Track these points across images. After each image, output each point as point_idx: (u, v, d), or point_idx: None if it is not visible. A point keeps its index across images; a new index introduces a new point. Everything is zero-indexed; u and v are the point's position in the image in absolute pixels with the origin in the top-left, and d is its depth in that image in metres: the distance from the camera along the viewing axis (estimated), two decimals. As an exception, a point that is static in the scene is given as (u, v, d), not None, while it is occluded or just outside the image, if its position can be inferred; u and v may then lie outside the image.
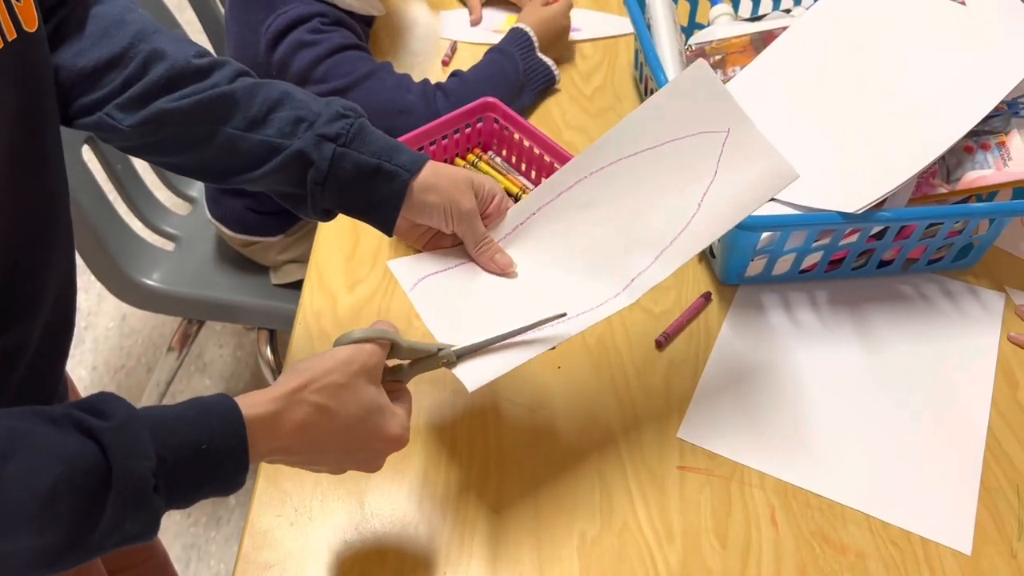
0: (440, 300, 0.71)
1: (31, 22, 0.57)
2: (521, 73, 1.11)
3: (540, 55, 1.15)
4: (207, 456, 0.52)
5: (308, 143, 0.67)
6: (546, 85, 1.16)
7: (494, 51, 1.13)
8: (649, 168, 0.71)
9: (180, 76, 0.67)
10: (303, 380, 0.58)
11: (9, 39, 0.55)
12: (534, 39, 1.14)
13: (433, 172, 0.70)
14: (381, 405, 0.61)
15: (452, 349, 0.65)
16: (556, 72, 1.16)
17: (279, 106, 0.69)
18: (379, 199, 0.70)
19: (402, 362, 0.66)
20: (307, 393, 0.57)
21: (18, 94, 0.57)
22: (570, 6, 1.22)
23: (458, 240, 0.74)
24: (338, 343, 0.62)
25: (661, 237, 0.70)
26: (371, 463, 0.63)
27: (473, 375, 0.65)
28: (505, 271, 0.73)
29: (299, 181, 0.69)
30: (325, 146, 0.67)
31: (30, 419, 0.48)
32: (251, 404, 0.55)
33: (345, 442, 0.60)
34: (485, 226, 0.74)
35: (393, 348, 0.63)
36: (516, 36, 1.14)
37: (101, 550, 0.49)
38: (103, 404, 0.50)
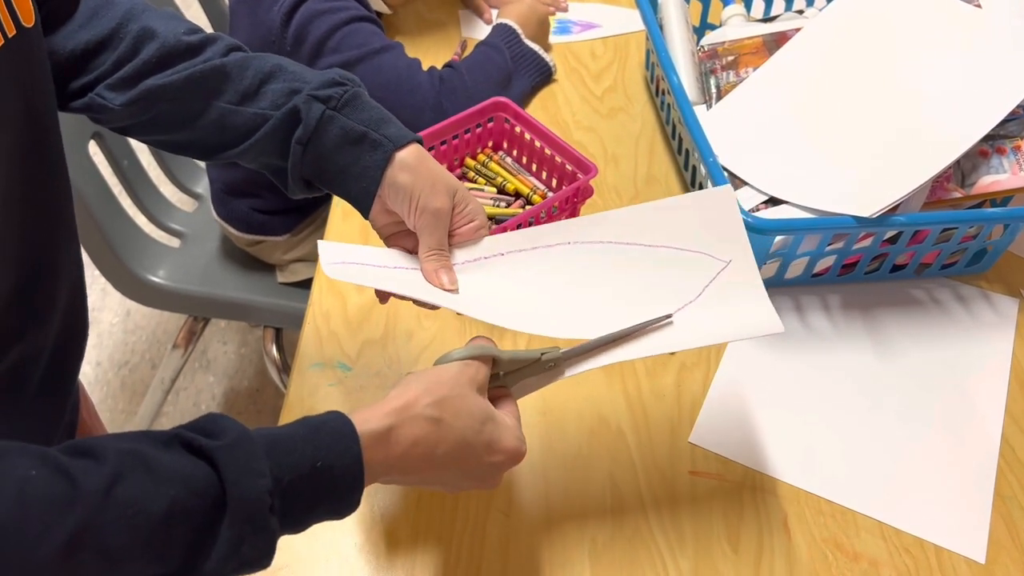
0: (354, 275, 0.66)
1: (28, 17, 0.56)
2: (509, 62, 1.15)
3: (528, 43, 1.17)
4: (322, 474, 0.50)
5: (300, 102, 0.65)
6: (540, 73, 1.18)
7: (480, 45, 1.17)
8: (637, 262, 0.70)
9: (171, 54, 0.66)
10: (414, 394, 0.56)
11: (9, 35, 0.54)
12: (518, 29, 1.18)
13: (417, 156, 0.66)
14: (494, 415, 0.59)
15: (558, 352, 0.64)
16: (550, 61, 1.19)
17: (272, 78, 0.67)
18: (360, 169, 0.65)
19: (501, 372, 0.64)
20: (419, 407, 0.55)
21: (19, 91, 0.56)
22: None
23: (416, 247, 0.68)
24: (438, 364, 0.60)
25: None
26: (489, 479, 0.60)
27: (574, 373, 0.65)
28: (445, 288, 0.67)
29: (286, 151, 0.66)
30: (315, 107, 0.65)
31: (140, 441, 0.46)
32: (363, 420, 0.53)
33: (461, 456, 0.57)
34: (450, 244, 0.68)
35: (494, 362, 0.62)
36: (499, 30, 1.18)
37: None
38: (211, 424, 0.49)
